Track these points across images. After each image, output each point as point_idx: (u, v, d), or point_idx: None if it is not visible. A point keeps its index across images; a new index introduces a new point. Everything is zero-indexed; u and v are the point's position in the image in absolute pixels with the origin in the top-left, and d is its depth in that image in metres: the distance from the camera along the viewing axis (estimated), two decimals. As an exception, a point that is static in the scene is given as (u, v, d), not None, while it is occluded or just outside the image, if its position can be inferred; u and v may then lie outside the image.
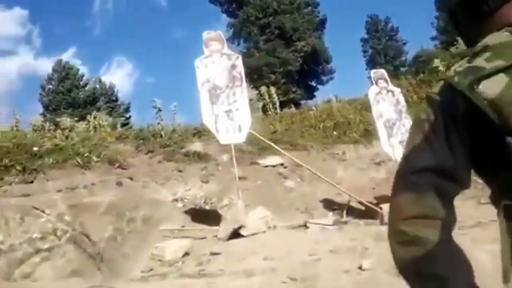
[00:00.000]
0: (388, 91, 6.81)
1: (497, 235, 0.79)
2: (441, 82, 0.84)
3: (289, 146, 8.64)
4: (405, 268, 0.76)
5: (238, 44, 27.17)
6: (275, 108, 12.87)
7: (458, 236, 0.80)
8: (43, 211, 3.70)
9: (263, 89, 13.44)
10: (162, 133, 8.51)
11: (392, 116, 6.58)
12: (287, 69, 25.20)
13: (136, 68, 64.16)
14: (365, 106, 10.68)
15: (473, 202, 5.20)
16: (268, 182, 7.22)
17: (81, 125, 11.40)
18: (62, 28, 51.55)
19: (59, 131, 9.19)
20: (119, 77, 47.50)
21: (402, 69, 29.96)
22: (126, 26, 52.36)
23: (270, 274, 3.62)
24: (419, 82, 14.84)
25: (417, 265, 0.73)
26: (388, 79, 7.07)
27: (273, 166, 7.75)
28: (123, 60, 66.68)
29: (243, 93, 5.68)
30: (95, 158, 6.84)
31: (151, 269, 4.21)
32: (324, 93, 25.03)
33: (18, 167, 6.12)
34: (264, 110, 12.90)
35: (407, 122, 6.68)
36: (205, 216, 5.67)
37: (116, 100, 30.26)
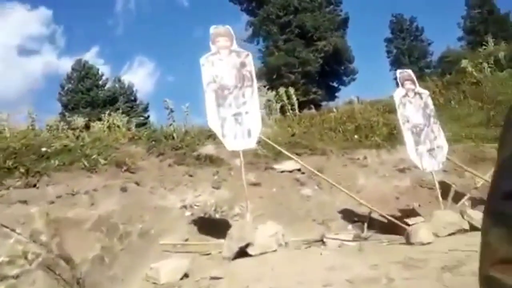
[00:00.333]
0: (415, 93, 6.24)
1: None
2: None
3: (307, 150, 8.22)
4: None
5: (258, 43, 26.80)
6: (294, 110, 12.41)
7: None
8: (13, 230, 3.25)
9: (282, 89, 13.01)
10: (174, 134, 8.18)
11: (420, 121, 5.99)
12: (306, 69, 24.65)
13: (157, 67, 64.70)
14: (389, 108, 10.11)
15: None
16: (283, 189, 6.78)
17: (97, 125, 11.21)
18: (85, 28, 52.58)
19: (70, 131, 8.98)
20: (140, 76, 48.04)
21: (427, 70, 29.11)
22: (148, 26, 52.95)
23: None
24: (446, 84, 14.24)
25: None
26: (416, 80, 6.51)
27: (290, 171, 7.31)
28: (144, 59, 67.42)
29: (253, 94, 5.12)
30: (102, 161, 6.52)
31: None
32: (345, 94, 24.33)
33: (22, 169, 5.85)
34: (283, 111, 12.48)
35: (437, 128, 6.12)
36: (213, 226, 5.26)
37: (135, 99, 30.35)
